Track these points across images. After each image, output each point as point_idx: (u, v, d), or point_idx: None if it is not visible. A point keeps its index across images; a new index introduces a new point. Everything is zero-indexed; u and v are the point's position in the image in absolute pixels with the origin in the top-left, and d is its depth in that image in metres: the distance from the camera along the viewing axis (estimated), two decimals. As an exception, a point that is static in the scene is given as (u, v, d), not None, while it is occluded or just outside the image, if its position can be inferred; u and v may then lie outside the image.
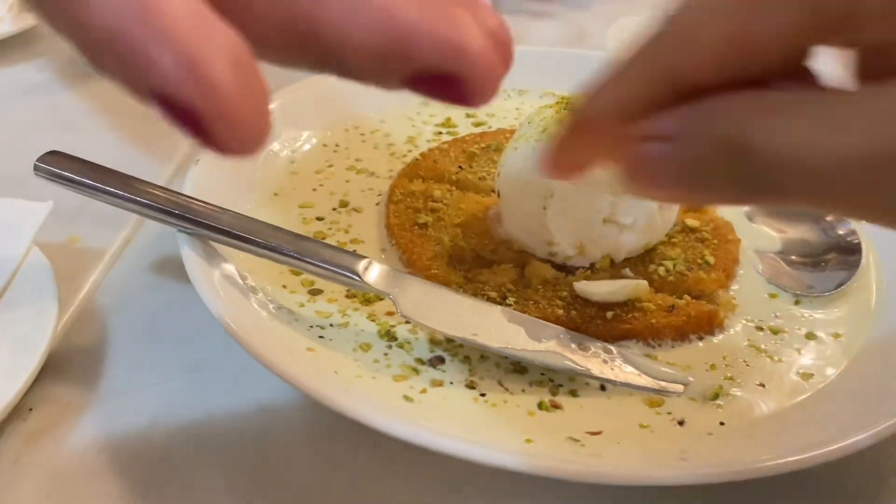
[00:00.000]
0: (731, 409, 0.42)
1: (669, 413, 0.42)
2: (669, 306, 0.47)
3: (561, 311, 0.46)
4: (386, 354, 0.44)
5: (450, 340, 0.45)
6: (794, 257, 0.53)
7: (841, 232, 0.54)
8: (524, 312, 0.46)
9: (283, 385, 0.44)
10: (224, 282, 0.46)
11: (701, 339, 0.47)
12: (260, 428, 0.43)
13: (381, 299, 0.48)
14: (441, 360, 0.44)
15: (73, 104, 0.73)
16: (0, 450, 0.41)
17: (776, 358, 0.46)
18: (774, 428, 0.41)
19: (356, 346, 0.45)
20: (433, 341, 0.45)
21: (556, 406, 0.42)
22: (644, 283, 0.47)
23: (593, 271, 0.50)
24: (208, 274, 0.45)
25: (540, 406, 0.42)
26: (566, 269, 0.50)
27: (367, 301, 0.48)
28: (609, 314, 0.46)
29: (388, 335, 0.46)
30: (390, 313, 0.47)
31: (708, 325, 0.47)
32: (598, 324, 0.46)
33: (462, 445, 0.36)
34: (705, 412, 0.42)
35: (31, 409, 0.43)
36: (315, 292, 0.49)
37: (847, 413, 0.41)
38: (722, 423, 0.42)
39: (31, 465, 0.40)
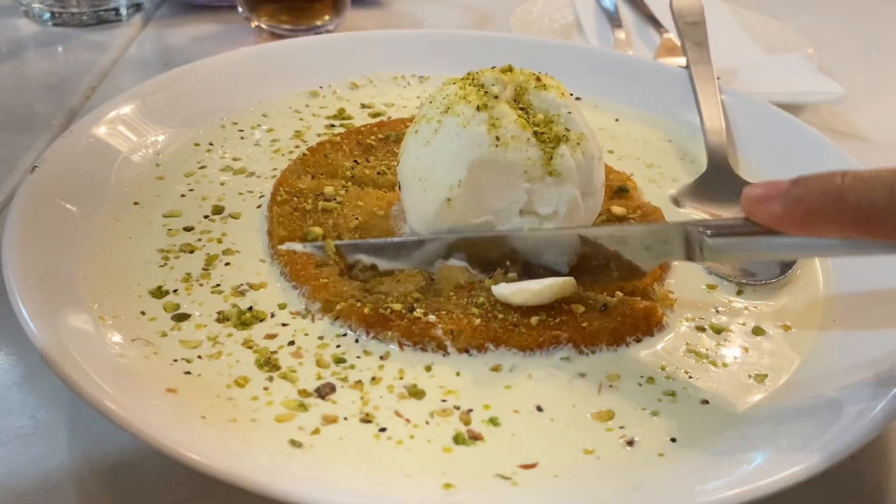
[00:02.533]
0: (681, 418, 0.36)
1: (622, 427, 0.35)
2: (601, 306, 0.41)
3: (478, 321, 0.39)
4: (266, 389, 0.36)
5: (339, 360, 0.38)
6: (731, 242, 0.48)
7: (778, 211, 0.49)
8: (436, 324, 0.39)
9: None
10: (59, 308, 0.37)
11: (639, 340, 0.41)
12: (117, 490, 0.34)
13: (261, 319, 0.40)
14: (332, 389, 0.36)
15: None
16: None
17: (720, 363, 0.40)
18: (728, 445, 0.35)
19: (230, 382, 0.36)
20: (320, 363, 0.37)
21: (475, 437, 0.34)
22: (571, 279, 0.41)
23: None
24: (37, 295, 0.36)
25: (457, 440, 0.34)
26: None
27: (242, 324, 0.40)
28: (534, 319, 0.39)
29: (269, 364, 0.37)
30: (270, 336, 0.39)
31: (646, 325, 0.41)
32: (522, 332, 0.39)
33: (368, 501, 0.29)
34: (654, 424, 0.36)
35: None
36: (181, 318, 0.40)
37: (804, 427, 0.35)
38: (674, 440, 0.35)
39: None
